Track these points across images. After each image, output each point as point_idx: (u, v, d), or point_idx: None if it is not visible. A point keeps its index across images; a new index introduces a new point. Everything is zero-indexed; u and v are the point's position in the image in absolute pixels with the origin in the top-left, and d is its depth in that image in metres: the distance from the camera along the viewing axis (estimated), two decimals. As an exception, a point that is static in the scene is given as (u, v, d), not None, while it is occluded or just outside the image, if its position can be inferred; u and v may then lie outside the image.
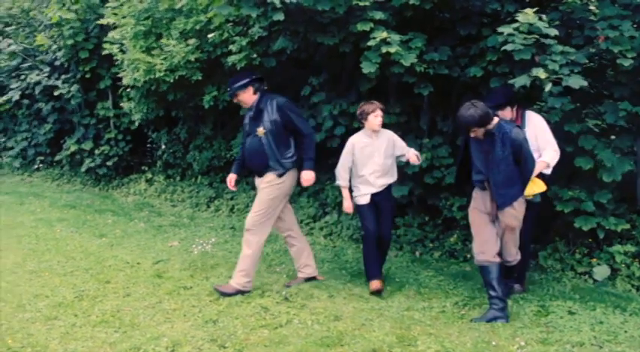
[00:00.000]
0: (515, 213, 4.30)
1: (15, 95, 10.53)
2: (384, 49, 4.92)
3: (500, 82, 5.07)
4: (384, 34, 4.91)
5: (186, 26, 6.51)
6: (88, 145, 9.85)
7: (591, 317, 4.28)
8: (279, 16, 5.03)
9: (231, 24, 6.36)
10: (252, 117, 4.84)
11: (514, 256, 4.45)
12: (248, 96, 4.84)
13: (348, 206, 4.98)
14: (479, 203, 4.43)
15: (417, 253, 5.86)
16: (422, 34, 5.29)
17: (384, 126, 4.95)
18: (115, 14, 7.43)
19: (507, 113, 4.54)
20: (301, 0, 4.96)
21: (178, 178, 9.09)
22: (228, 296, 4.68)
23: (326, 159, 5.73)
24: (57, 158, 10.84)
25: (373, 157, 4.85)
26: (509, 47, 4.45)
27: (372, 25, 5.03)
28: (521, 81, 4.42)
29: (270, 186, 4.76)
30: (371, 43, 4.96)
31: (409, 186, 5.84)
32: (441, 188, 5.82)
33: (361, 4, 4.92)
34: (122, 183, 9.84)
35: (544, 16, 4.51)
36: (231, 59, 6.17)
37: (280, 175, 4.75)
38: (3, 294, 4.77)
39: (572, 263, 5.18)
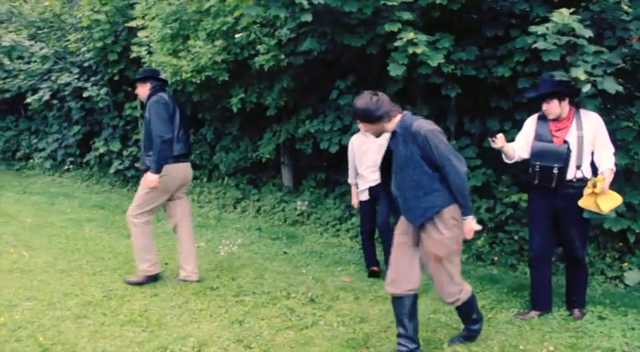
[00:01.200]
0: (441, 238, 3.45)
1: (45, 95, 10.72)
2: (410, 50, 4.89)
3: (529, 82, 5.01)
4: (411, 35, 4.89)
5: (213, 27, 6.56)
6: (116, 146, 9.98)
7: (622, 323, 4.19)
8: (307, 17, 5.04)
9: (258, 25, 6.40)
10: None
11: (453, 296, 3.60)
12: (144, 91, 5.12)
13: (354, 202, 5.49)
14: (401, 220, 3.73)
15: (444, 256, 5.80)
16: (449, 34, 5.26)
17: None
18: (144, 16, 7.52)
19: (553, 107, 4.02)
20: (329, 1, 4.97)
21: (205, 179, 9.15)
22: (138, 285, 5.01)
23: (352, 160, 5.74)
24: (86, 159, 11.02)
25: (367, 154, 5.21)
26: (540, 45, 4.38)
27: (399, 25, 5.01)
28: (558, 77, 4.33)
29: (144, 180, 4.91)
30: (398, 43, 4.94)
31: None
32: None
33: (389, 4, 4.90)
34: (150, 184, 9.94)
35: (577, 16, 4.44)
36: (258, 60, 6.20)
37: (144, 171, 4.93)
38: (35, 292, 4.86)
39: (603, 267, 5.09)
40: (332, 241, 6.50)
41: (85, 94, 9.86)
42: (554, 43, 4.35)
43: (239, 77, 7.14)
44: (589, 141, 4.00)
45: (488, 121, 5.67)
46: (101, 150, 10.16)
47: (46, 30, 11.48)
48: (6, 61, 11.23)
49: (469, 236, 3.52)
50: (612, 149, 4.05)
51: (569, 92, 4.09)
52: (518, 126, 5.26)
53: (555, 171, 3.98)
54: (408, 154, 3.42)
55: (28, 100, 10.95)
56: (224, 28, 6.47)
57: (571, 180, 4.01)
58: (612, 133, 4.73)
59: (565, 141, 4.01)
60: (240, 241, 6.46)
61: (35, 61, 11.14)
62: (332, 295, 4.79)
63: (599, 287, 4.89)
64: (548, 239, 4.25)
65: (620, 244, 5.17)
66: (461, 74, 5.29)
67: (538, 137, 4.12)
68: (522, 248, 5.51)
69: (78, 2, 10.32)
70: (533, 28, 4.46)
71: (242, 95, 7.09)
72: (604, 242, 5.23)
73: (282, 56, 6.18)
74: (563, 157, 3.97)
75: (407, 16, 5.02)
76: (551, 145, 4.05)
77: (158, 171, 4.82)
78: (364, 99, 3.51)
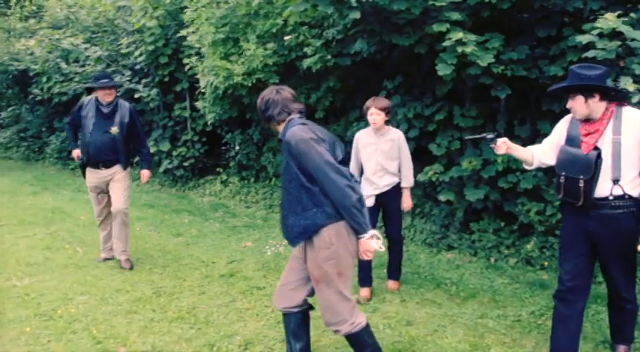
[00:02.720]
0: (317, 258, 3.09)
1: (98, 95, 11.02)
2: (459, 49, 4.83)
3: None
4: (460, 35, 4.82)
5: (262, 29, 6.62)
6: (165, 146, 10.18)
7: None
8: (356, 15, 5.03)
9: (306, 27, 6.43)
10: (107, 114, 5.47)
11: (333, 324, 3.17)
12: (113, 95, 5.54)
13: None
14: None
15: (492, 259, 5.71)
16: (499, 34, 5.17)
17: (461, 129, 4.80)
18: (194, 20, 7.64)
19: (578, 105, 3.27)
20: (377, -1, 4.95)
21: (252, 180, 9.25)
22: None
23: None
24: (136, 159, 11.25)
25: (375, 157, 4.68)
26: (590, 54, 4.27)
27: (448, 26, 4.95)
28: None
29: (125, 177, 5.64)
30: (447, 43, 4.88)
31: (485, 190, 5.70)
32: (518, 193, 5.65)
33: (437, 4, 4.85)
34: (198, 184, 10.12)
35: (631, 15, 4.29)
36: (306, 62, 6.23)
37: (124, 168, 5.60)
38: (88, 287, 5.01)
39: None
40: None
41: (136, 95, 10.10)
42: (604, 48, 4.22)
43: (286, 78, 7.19)
44: (631, 147, 3.19)
45: (539, 124, 5.54)
46: (151, 150, 10.37)
47: (100, 34, 11.83)
48: (63, 65, 11.61)
49: (366, 256, 3.11)
50: None
51: (600, 88, 3.26)
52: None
53: (581, 184, 3.23)
54: (287, 167, 3.07)
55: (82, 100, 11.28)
56: (273, 30, 6.52)
57: (606, 198, 3.23)
58: None
59: (596, 148, 3.24)
60: (286, 241, 6.48)
61: (89, 64, 11.48)
62: (378, 297, 4.76)
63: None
64: (582, 268, 3.43)
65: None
66: (511, 74, 5.19)
67: (569, 141, 3.41)
68: (574, 253, 5.36)
69: (130, 7, 10.59)
70: (579, 38, 4.34)
71: None
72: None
73: (329, 57, 6.19)
74: (590, 168, 3.20)
75: (455, 16, 4.95)
76: (578, 152, 3.30)
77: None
78: (261, 95, 3.26)
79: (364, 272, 4.80)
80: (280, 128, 3.21)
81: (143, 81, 10.32)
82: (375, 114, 4.56)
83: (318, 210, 3.00)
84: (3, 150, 15.49)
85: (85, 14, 12.50)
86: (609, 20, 4.18)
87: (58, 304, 4.62)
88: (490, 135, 3.60)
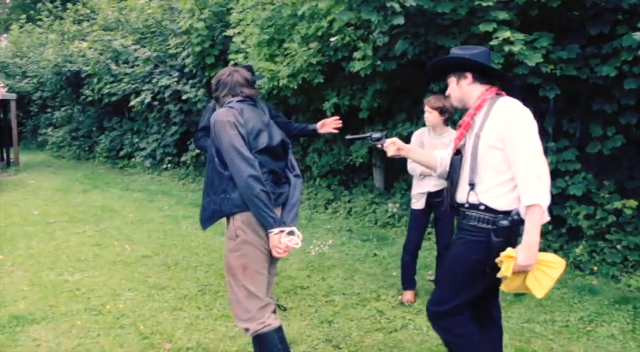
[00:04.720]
0: (225, 249, 3.00)
1: (147, 97, 11.29)
2: (506, 49, 4.75)
3: (637, 83, 4.70)
4: (508, 34, 4.74)
5: (307, 31, 6.64)
6: (211, 147, 10.34)
7: None
8: (399, 20, 5.02)
9: (352, 28, 6.42)
10: None
11: (240, 321, 2.96)
12: None
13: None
14: None
15: (539, 263, 5.58)
16: (548, 33, 5.05)
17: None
18: (239, 22, 7.73)
19: (452, 88, 2.87)
20: (421, 2, 4.91)
21: (296, 180, 9.27)
22: None
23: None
24: (183, 158, 11.47)
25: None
26: None
27: (495, 25, 4.88)
28: None
29: None
30: (494, 42, 4.81)
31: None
32: (567, 196, 5.51)
33: (484, 4, 4.78)
34: (242, 184, 10.21)
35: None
36: (357, 66, 6.20)
37: None
38: (136, 284, 5.13)
39: None
40: (422, 244, 6.40)
41: (184, 96, 10.28)
42: None
43: (332, 79, 7.19)
44: (489, 146, 2.64)
45: (590, 126, 5.39)
46: (197, 151, 10.55)
47: (148, 35, 12.11)
48: (113, 66, 11.92)
49: (276, 253, 2.86)
50: (536, 167, 2.52)
51: (471, 65, 2.75)
52: (622, 131, 4.97)
53: (446, 184, 2.89)
54: (209, 148, 3.01)
55: (132, 103, 11.57)
56: (319, 32, 6.53)
57: (462, 205, 2.77)
58: None
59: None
60: (330, 242, 6.51)
61: (138, 65, 11.76)
62: (422, 299, 4.72)
63: None
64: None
65: None
66: (560, 74, 5.06)
67: None
68: (626, 258, 5.20)
69: (178, 9, 10.80)
70: (636, 34, 4.19)
71: (335, 99, 7.13)
72: None
73: (379, 62, 6.16)
74: (446, 169, 2.88)
75: (503, 15, 4.88)
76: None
77: None
78: (217, 73, 3.19)
79: (407, 275, 4.75)
80: None
81: (190, 82, 10.51)
82: (427, 112, 4.42)
83: (226, 196, 2.91)
84: (56, 149, 16.06)
85: (134, 17, 12.83)
86: None
87: (106, 299, 4.75)
88: (376, 135, 3.23)
